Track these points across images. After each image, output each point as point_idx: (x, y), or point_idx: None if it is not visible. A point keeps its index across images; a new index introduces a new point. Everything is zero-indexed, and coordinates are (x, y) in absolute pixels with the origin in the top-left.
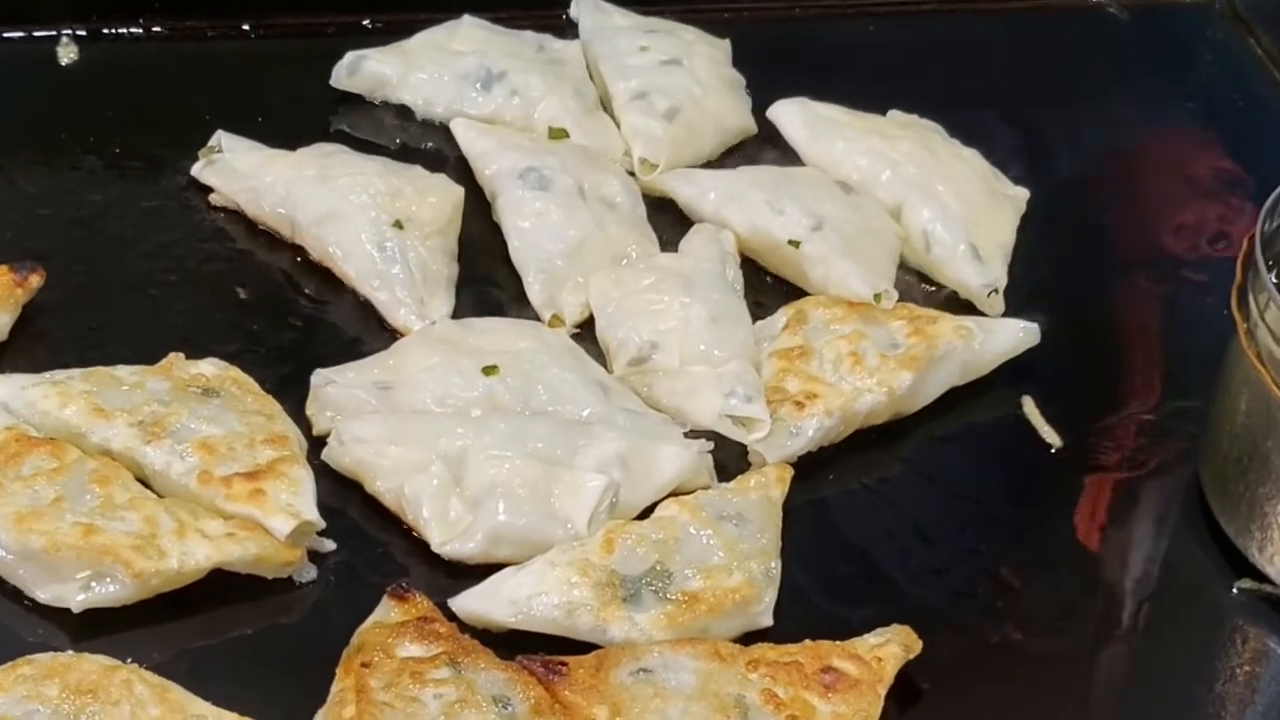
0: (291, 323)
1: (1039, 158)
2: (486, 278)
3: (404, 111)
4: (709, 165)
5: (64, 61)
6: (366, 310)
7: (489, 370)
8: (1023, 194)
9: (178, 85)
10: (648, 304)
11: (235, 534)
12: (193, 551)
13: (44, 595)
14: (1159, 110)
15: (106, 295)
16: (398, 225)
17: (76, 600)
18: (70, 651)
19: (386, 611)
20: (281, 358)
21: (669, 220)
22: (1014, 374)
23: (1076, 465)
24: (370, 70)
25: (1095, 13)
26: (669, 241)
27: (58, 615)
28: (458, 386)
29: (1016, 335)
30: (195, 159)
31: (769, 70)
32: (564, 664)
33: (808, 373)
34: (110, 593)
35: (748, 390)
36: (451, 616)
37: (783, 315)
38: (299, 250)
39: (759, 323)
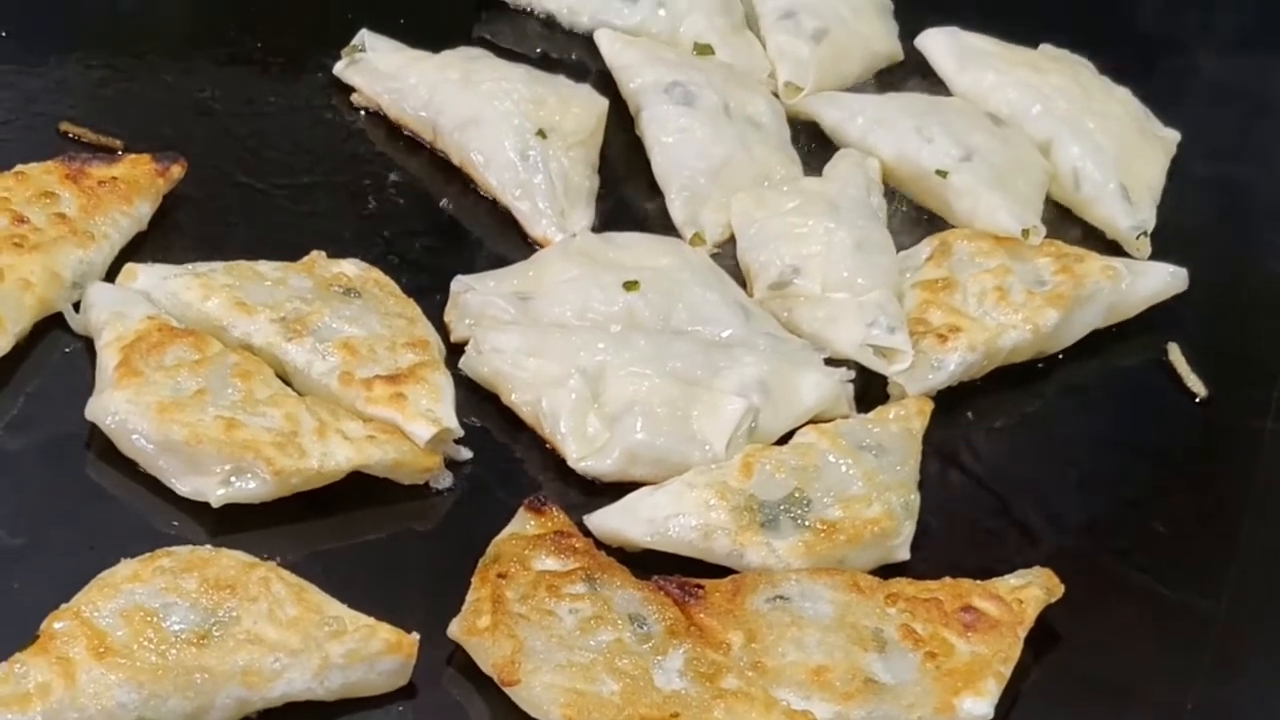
0: (429, 229)
1: (1190, 102)
2: (625, 193)
3: (548, 20)
4: (852, 91)
5: None
6: (505, 219)
7: (630, 285)
8: (1173, 136)
9: None
10: (791, 227)
11: (376, 437)
12: (333, 452)
13: (184, 488)
14: None
15: (243, 192)
16: (541, 134)
17: (216, 494)
18: (209, 546)
19: (523, 523)
20: (419, 264)
21: (812, 145)
22: (1159, 319)
23: (1221, 416)
24: None
25: None
26: (812, 167)
27: (195, 509)
28: (598, 300)
29: (1165, 279)
30: (337, 58)
31: None
32: (700, 586)
33: (951, 305)
34: (250, 489)
35: (891, 320)
36: (584, 534)
37: (926, 246)
38: (439, 155)
39: (901, 253)
